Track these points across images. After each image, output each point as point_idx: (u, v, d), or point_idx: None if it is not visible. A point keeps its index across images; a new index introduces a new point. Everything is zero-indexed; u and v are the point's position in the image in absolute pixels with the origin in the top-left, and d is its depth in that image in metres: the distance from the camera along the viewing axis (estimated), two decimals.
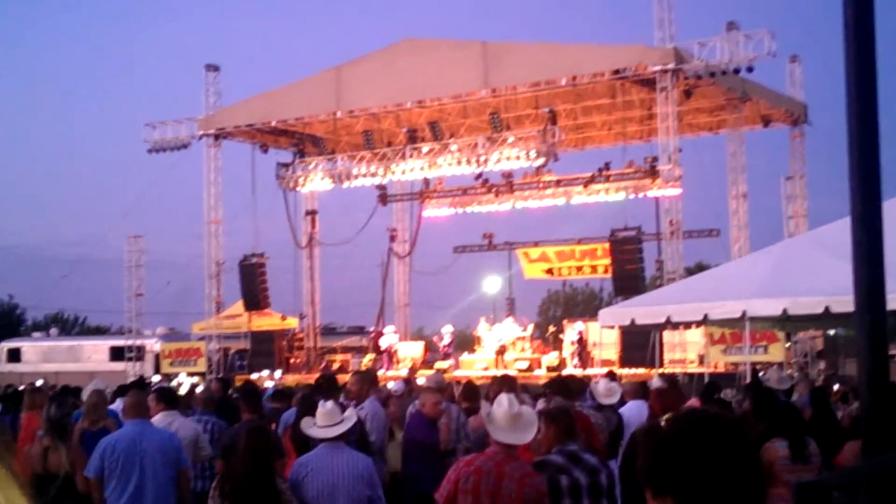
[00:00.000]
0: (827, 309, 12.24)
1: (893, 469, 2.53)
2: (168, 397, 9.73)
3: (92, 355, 44.54)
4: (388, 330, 33.68)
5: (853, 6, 2.61)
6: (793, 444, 7.70)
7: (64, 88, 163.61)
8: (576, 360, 29.30)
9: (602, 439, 8.57)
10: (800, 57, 33.73)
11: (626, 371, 24.24)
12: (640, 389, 11.18)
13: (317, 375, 25.42)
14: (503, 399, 6.22)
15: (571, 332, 30.57)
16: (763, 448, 7.59)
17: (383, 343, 32.84)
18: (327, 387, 10.93)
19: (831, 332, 28.50)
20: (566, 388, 9.50)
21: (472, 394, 11.09)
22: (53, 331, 54.66)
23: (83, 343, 48.33)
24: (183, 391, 16.83)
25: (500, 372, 25.94)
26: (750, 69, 26.88)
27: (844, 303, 9.73)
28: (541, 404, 8.59)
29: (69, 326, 71.49)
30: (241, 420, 9.95)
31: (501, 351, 30.39)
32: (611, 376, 14.76)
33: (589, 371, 25.91)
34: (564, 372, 25.50)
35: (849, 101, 2.60)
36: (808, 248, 13.72)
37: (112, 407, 11.09)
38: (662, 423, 2.44)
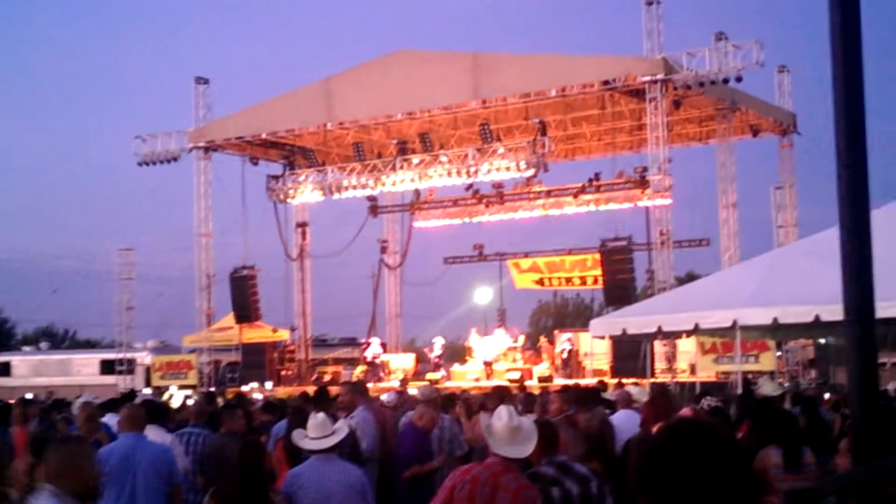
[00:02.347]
0: (817, 318, 12.28)
1: (885, 476, 2.55)
2: (148, 411, 9.56)
3: (82, 369, 44.43)
4: (374, 341, 33.73)
5: (839, 16, 2.64)
6: (787, 452, 7.71)
7: (53, 101, 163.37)
8: (565, 370, 29.34)
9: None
10: (788, 67, 33.90)
11: (616, 381, 24.25)
12: (630, 398, 11.21)
13: (308, 387, 25.44)
14: (503, 412, 6.20)
15: (560, 342, 30.64)
16: (758, 456, 7.61)
17: (368, 354, 32.89)
18: (320, 398, 10.91)
19: (822, 340, 28.57)
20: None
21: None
22: (44, 344, 54.56)
23: (73, 357, 48.20)
24: (175, 404, 16.81)
25: (491, 383, 25.97)
26: (738, 79, 27.00)
27: (834, 311, 9.76)
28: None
29: (59, 340, 71.36)
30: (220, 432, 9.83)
31: (492, 362, 30.40)
32: (601, 387, 14.80)
33: (581, 381, 25.92)
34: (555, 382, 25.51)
35: (836, 110, 2.62)
36: (798, 257, 13.77)
37: (102, 420, 11.03)
38: (654, 432, 2.46)
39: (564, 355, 29.98)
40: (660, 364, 27.18)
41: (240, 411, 10.67)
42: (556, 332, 33.68)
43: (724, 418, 9.83)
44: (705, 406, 10.04)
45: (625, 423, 10.28)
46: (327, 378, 32.62)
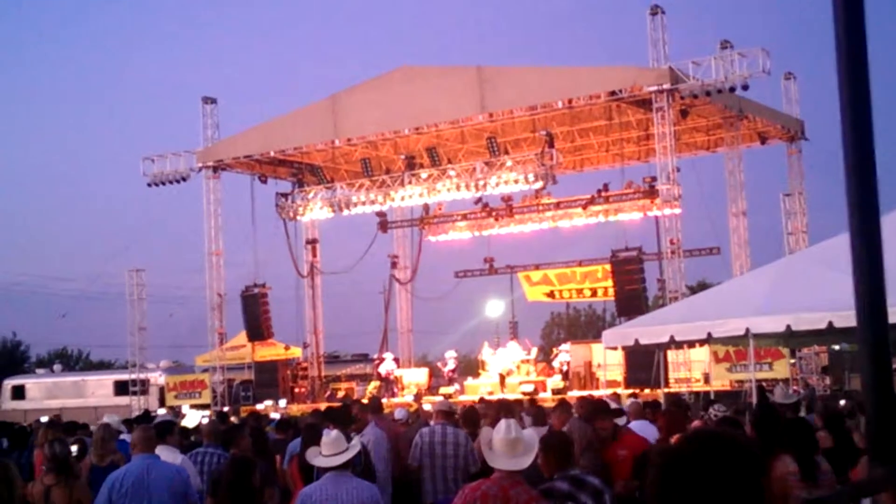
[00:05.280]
0: (830, 324, 12.23)
1: None
2: (158, 431, 9.54)
3: (96, 390, 44.40)
4: (387, 357, 33.74)
5: (844, 22, 2.63)
6: (802, 461, 7.59)
7: (61, 123, 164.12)
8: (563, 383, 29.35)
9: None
10: (794, 74, 33.87)
11: (629, 391, 24.17)
12: (642, 409, 11.18)
13: (321, 404, 25.42)
14: (501, 425, 6.20)
15: (563, 354, 30.64)
16: (773, 464, 7.52)
17: (381, 369, 32.89)
18: (340, 416, 10.79)
19: (836, 347, 28.45)
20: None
21: (473, 419, 11.06)
22: (57, 367, 54.52)
23: (87, 378, 48.15)
24: (190, 424, 16.79)
25: (506, 396, 25.94)
26: (745, 87, 26.97)
27: (847, 317, 9.73)
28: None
29: (73, 362, 71.36)
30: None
31: (506, 375, 30.34)
32: (615, 398, 14.76)
33: (596, 392, 25.85)
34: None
35: (843, 116, 2.61)
36: (810, 264, 13.72)
37: (124, 437, 11.03)
38: (672, 443, 2.44)
39: (565, 366, 29.95)
40: (675, 373, 27.06)
41: (244, 430, 10.67)
42: (552, 348, 33.58)
43: (734, 428, 9.77)
44: (713, 415, 9.97)
45: (640, 432, 10.26)
46: (340, 394, 32.59)
